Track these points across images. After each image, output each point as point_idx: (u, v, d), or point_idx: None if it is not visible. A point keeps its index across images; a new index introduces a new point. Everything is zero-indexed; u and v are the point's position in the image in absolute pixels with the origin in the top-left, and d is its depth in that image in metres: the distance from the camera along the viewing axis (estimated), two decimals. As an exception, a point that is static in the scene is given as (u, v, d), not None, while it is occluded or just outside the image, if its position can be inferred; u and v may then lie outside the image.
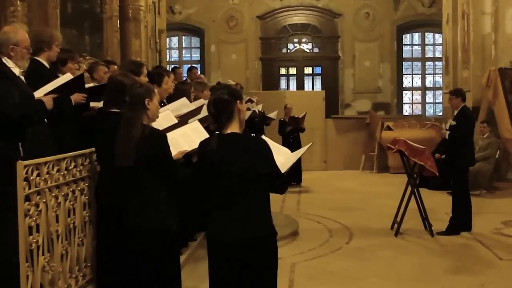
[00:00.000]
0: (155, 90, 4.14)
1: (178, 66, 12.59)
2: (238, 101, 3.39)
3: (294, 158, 3.76)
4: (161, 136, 3.95)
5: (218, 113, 3.37)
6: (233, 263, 3.31)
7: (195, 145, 4.31)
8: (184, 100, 5.81)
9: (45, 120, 4.46)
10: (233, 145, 3.31)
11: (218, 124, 3.39)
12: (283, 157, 3.57)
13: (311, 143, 4.23)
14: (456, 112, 7.88)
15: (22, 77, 4.28)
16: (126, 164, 3.85)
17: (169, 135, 4.35)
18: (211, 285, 3.46)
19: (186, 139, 4.42)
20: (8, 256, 3.72)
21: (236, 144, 3.32)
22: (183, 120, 5.20)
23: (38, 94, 4.41)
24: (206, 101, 6.21)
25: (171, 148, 4.06)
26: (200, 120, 4.97)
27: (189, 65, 17.19)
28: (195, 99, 6.43)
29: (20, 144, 4.09)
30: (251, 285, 3.34)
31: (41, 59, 4.94)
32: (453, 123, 7.81)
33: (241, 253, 3.29)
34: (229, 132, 3.35)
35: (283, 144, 10.78)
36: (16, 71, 4.21)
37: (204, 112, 5.81)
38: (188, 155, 4.32)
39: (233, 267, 3.32)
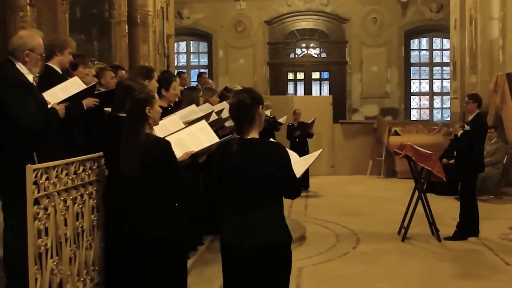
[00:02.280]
0: (155, 95, 4.11)
1: (183, 71, 12.62)
2: (260, 106, 3.38)
3: (304, 163, 3.76)
4: (165, 143, 3.93)
5: (239, 117, 3.36)
6: (248, 268, 3.30)
7: (202, 145, 4.32)
8: (193, 107, 5.84)
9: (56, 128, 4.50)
10: (253, 150, 3.30)
11: (239, 128, 3.37)
12: (292, 162, 3.57)
13: (321, 150, 4.22)
14: (470, 117, 7.88)
15: (35, 83, 4.30)
16: (131, 174, 3.86)
17: (176, 135, 4.34)
18: None
19: (193, 139, 4.40)
20: (23, 256, 3.76)
21: (256, 149, 3.32)
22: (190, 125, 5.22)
23: (47, 96, 4.43)
24: (213, 107, 6.27)
25: (178, 148, 4.06)
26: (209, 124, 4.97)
27: (197, 70, 17.31)
28: (204, 103, 6.45)
29: (35, 154, 4.12)
30: None
31: (53, 65, 4.94)
32: (467, 128, 7.79)
33: (257, 258, 3.28)
34: (250, 137, 3.34)
35: (291, 149, 10.82)
36: (30, 77, 4.22)
37: (212, 118, 5.84)
38: (194, 156, 4.32)
39: (248, 272, 3.31)
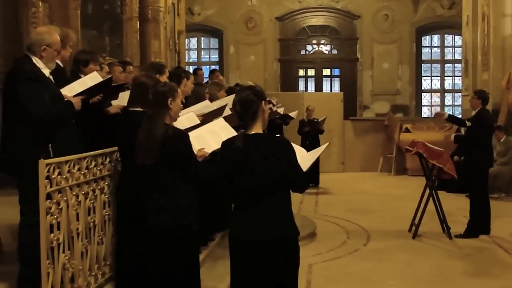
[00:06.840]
0: (178, 89, 4.15)
1: (200, 67, 12.62)
2: (262, 102, 3.43)
3: (311, 157, 3.78)
4: (184, 136, 3.98)
5: (243, 113, 3.41)
6: (255, 262, 3.33)
7: None
8: (207, 102, 5.87)
9: (73, 120, 4.53)
10: (257, 145, 3.34)
11: (243, 124, 3.42)
12: (299, 156, 3.59)
13: (328, 143, 4.24)
14: (473, 113, 7.85)
15: (51, 77, 4.34)
16: (147, 162, 3.89)
17: (197, 131, 4.39)
18: (232, 284, 3.48)
19: (214, 136, 4.45)
20: (37, 249, 3.79)
21: (260, 144, 3.36)
22: (205, 120, 5.23)
23: (65, 92, 4.47)
24: (226, 100, 6.26)
25: (198, 145, 4.08)
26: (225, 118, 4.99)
27: (208, 66, 17.31)
28: (211, 100, 6.46)
29: (50, 145, 4.16)
30: (273, 284, 3.35)
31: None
32: (468, 124, 7.79)
33: (265, 253, 3.30)
34: (254, 132, 3.39)
35: (302, 144, 10.81)
36: (46, 72, 4.28)
37: (226, 112, 5.84)
38: (214, 154, 4.34)
39: (255, 266, 3.33)
